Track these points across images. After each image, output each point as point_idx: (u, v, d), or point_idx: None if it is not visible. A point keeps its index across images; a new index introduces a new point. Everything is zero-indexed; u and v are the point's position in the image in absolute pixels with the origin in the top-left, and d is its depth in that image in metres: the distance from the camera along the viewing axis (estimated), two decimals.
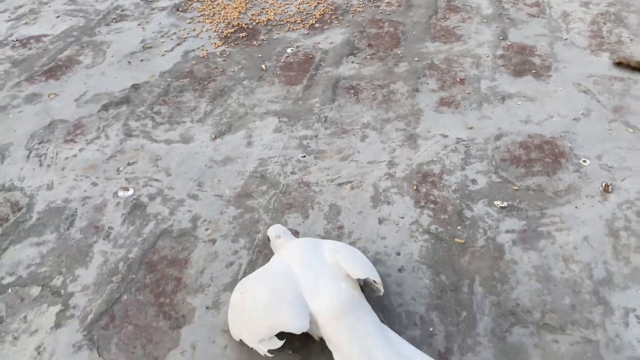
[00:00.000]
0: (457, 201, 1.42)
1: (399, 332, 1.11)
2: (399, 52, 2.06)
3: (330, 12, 2.35)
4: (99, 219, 1.41)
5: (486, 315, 1.16)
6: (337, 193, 1.46)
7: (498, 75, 1.91)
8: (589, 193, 1.43)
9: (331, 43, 2.14)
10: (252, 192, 1.48)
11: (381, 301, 1.18)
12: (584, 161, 1.53)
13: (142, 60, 2.07)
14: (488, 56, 2.01)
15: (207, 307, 1.20)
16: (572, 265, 1.25)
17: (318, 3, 2.42)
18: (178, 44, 2.16)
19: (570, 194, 1.44)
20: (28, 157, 1.63)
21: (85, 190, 1.50)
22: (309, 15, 2.32)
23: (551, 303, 1.17)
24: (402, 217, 1.39)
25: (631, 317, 1.14)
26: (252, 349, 1.06)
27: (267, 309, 1.05)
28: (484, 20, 2.24)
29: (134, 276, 1.27)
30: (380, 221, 1.38)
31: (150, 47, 2.15)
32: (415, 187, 1.47)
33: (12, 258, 1.32)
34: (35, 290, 1.24)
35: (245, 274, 1.26)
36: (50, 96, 1.89)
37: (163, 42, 2.18)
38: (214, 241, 1.35)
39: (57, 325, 1.17)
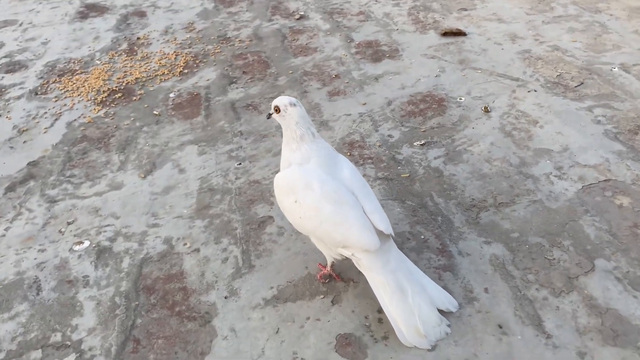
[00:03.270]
0: (387, 152, 1.65)
1: (401, 249, 1.27)
2: (273, 71, 2.28)
3: (192, 59, 2.50)
4: (67, 274, 1.34)
5: (456, 214, 1.38)
6: None
7: (362, 65, 2.23)
8: (476, 117, 1.78)
9: (208, 80, 2.28)
10: (209, 204, 1.53)
11: None
12: (460, 99, 1.89)
13: (24, 141, 1.98)
14: (346, 55, 2.33)
15: (225, 297, 1.22)
16: (495, 162, 1.55)
17: (176, 55, 2.55)
18: (56, 119, 2.11)
19: (464, 121, 1.76)
20: None
21: (35, 258, 1.41)
22: (174, 66, 2.44)
23: (495, 190, 1.44)
24: None
25: (552, 178, 1.46)
26: (286, 309, 1.13)
27: (335, 225, 1.06)
28: (328, 33, 2.59)
29: (136, 302, 1.23)
30: None
31: (26, 130, 2.06)
32: (348, 154, 1.67)
33: None
34: (36, 354, 1.14)
35: (245, 262, 1.31)
36: None
37: (38, 122, 2.11)
38: (197, 250, 1.37)
39: None
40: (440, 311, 1.08)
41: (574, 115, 1.70)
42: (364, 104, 1.94)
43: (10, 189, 1.72)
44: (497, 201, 1.40)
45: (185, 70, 2.39)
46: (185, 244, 1.39)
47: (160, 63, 2.49)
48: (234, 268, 1.30)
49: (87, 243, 1.44)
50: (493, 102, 1.84)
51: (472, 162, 1.56)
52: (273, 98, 2.05)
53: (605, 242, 1.23)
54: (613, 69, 1.92)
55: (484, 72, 2.03)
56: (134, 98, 2.20)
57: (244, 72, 2.30)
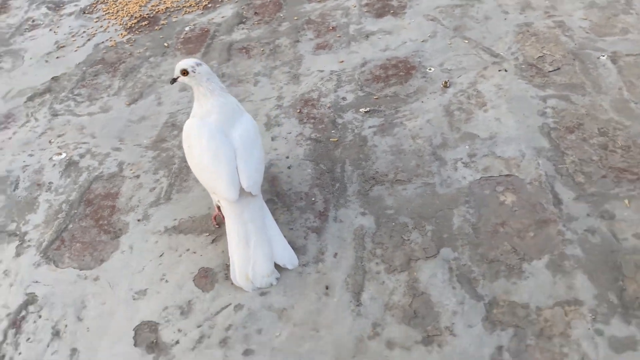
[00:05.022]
0: (332, 114, 1.78)
1: (289, 206, 1.45)
2: (282, 15, 2.40)
3: None
4: (39, 178, 1.69)
5: (354, 183, 1.51)
6: None
7: (363, 19, 2.28)
8: (432, 90, 1.82)
9: (223, 17, 2.46)
10: (166, 137, 1.78)
11: (276, 189, 1.52)
12: (430, 69, 1.92)
13: (57, 57, 2.33)
14: (355, 7, 2.38)
15: (138, 220, 1.50)
16: (418, 140, 1.63)
17: None
18: (88, 40, 2.43)
19: (418, 94, 1.81)
20: None
21: (24, 161, 1.77)
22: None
23: (401, 167, 1.54)
24: (290, 133, 1.73)
25: (459, 164, 1.52)
26: (176, 239, 1.38)
27: (209, 171, 1.26)
28: None
29: (75, 211, 1.55)
30: (273, 138, 1.72)
31: (63, 46, 2.40)
32: (299, 111, 1.81)
33: None
34: None
35: (166, 193, 1.57)
36: None
37: (74, 40, 2.44)
38: (138, 176, 1.65)
39: (18, 254, 1.44)
40: (278, 266, 1.27)
41: (525, 103, 1.69)
42: (342, 61, 2.03)
43: (30, 99, 2.08)
44: (395, 177, 1.51)
45: (210, 5, 2.57)
46: (131, 170, 1.67)
47: None
48: (156, 197, 1.56)
49: (63, 155, 1.77)
50: (459, 77, 1.85)
51: (398, 137, 1.65)
52: (268, 44, 2.20)
53: (463, 234, 1.32)
54: (601, 57, 1.83)
55: (471, 43, 2.01)
56: (156, 27, 2.45)
57: (255, 13, 2.44)
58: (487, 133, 1.61)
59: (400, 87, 1.86)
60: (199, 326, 1.21)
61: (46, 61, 2.31)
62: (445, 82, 1.82)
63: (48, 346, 1.21)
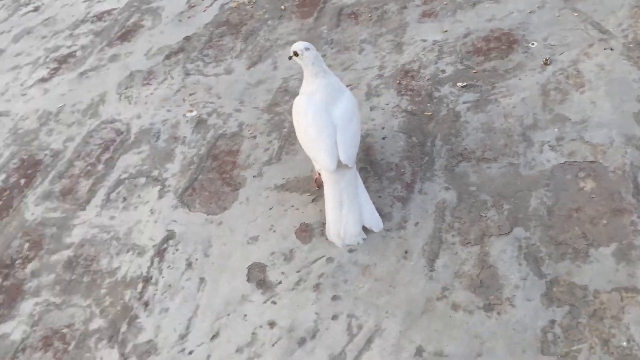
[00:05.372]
0: (429, 87, 1.90)
1: (380, 175, 1.65)
2: None
3: None
4: (175, 132, 2.02)
5: (442, 158, 1.66)
6: None
7: None
8: (532, 67, 1.86)
9: None
10: (279, 102, 2.02)
11: (370, 158, 1.71)
12: (532, 44, 1.94)
13: (189, 17, 2.62)
14: None
15: (254, 176, 1.77)
16: (510, 119, 1.71)
17: None
18: (215, 0, 2.69)
19: (517, 70, 1.87)
20: (119, 99, 2.25)
21: (163, 116, 2.10)
22: None
23: (489, 145, 1.65)
24: (387, 104, 1.88)
25: (545, 146, 1.60)
26: (283, 195, 1.64)
27: (313, 144, 1.48)
28: None
29: (204, 164, 1.86)
30: (372, 108, 1.89)
31: (194, 6, 2.69)
32: (398, 82, 1.95)
33: (124, 163, 1.95)
34: (142, 180, 1.87)
35: (277, 154, 1.82)
36: (126, 55, 2.49)
37: (203, 0, 2.72)
38: (254, 137, 1.91)
39: (160, 197, 1.79)
40: (366, 228, 1.48)
41: (626, 86, 1.69)
42: (445, 31, 2.11)
43: (167, 57, 2.41)
44: (482, 155, 1.63)
45: None
46: (249, 131, 1.94)
47: None
48: (269, 157, 1.82)
49: (195, 112, 2.08)
50: (561, 54, 1.87)
51: (491, 114, 1.74)
52: (376, 9, 2.32)
53: (537, 216, 1.44)
54: None
55: (580, 16, 1.99)
56: None
57: None
58: (579, 116, 1.65)
59: (500, 61, 1.92)
60: (297, 271, 1.47)
61: (179, 20, 2.62)
62: (546, 60, 1.85)
63: (183, 274, 1.55)
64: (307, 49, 1.53)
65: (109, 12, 2.83)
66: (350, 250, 1.48)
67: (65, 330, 1.49)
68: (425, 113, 1.81)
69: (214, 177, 1.81)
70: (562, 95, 1.73)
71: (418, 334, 1.29)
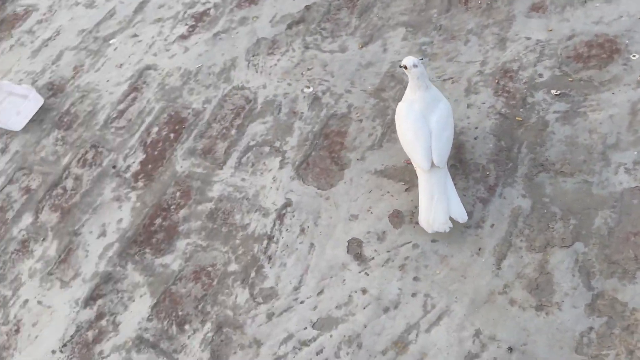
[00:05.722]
0: (525, 91, 2.08)
1: (467, 174, 1.92)
2: None
3: None
4: (294, 107, 2.37)
5: (524, 166, 1.90)
6: (442, 86, 2.20)
7: None
8: (627, 82, 1.98)
9: None
10: (385, 88, 2.29)
11: (460, 156, 1.98)
12: (633, 56, 2.03)
13: None
14: None
15: (357, 159, 2.11)
16: (594, 135, 1.89)
17: None
18: None
19: (612, 83, 1.99)
20: (248, 66, 2.60)
21: (284, 89, 2.45)
22: None
23: (570, 159, 1.86)
24: (484, 103, 2.10)
25: (621, 168, 1.79)
26: (381, 181, 1.98)
27: (411, 146, 1.81)
28: None
29: (317, 142, 2.22)
30: (469, 106, 2.12)
31: None
32: (496, 81, 2.14)
33: (252, 130, 2.35)
34: (266, 149, 2.27)
35: (379, 141, 2.13)
36: (254, 19, 2.80)
37: None
38: (361, 120, 2.22)
39: (280, 167, 2.19)
40: (452, 219, 1.79)
41: None
42: (550, 30, 2.22)
43: (290, 26, 2.70)
44: (561, 168, 1.85)
45: None
46: (357, 114, 2.25)
47: None
48: (372, 142, 2.14)
49: (311, 89, 2.41)
50: None
51: (577, 127, 1.93)
52: None
53: (598, 234, 1.68)
54: None
55: None
56: None
57: None
58: None
59: (598, 72, 2.04)
60: (387, 251, 1.85)
61: None
62: None
63: (297, 237, 1.98)
64: (415, 65, 1.79)
65: None
66: (433, 240, 1.82)
67: (209, 269, 2.00)
68: (517, 118, 2.02)
69: (325, 155, 2.17)
70: None
71: (478, 319, 1.64)
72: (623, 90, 1.96)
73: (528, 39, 2.22)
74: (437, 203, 1.77)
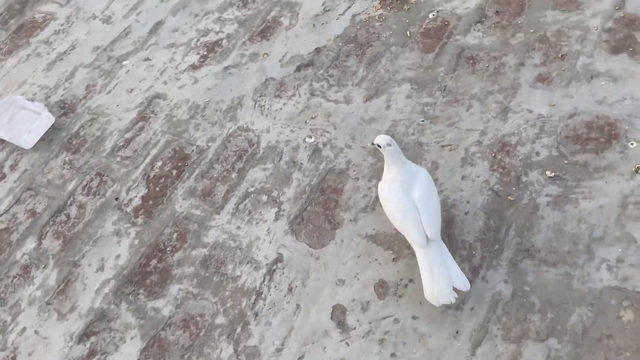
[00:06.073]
0: (520, 169, 2.11)
1: (454, 251, 1.97)
2: (520, 22, 2.53)
3: None
4: (295, 156, 2.41)
5: (510, 250, 1.94)
6: (439, 153, 2.24)
7: (597, 51, 2.32)
8: (621, 172, 2.00)
9: (467, 8, 2.67)
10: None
11: (449, 231, 2.02)
12: (631, 144, 2.04)
13: (322, 23, 2.87)
14: (597, 29, 2.39)
15: (350, 220, 2.16)
16: (582, 225, 1.92)
17: None
18: (349, 7, 2.89)
19: (606, 170, 2.01)
20: (254, 106, 2.65)
21: (287, 136, 2.49)
22: None
23: (555, 248, 1.90)
24: (478, 177, 2.13)
25: (604, 265, 1.83)
26: (371, 247, 2.03)
27: (402, 226, 1.86)
28: None
29: (313, 196, 2.27)
30: (463, 177, 2.15)
31: (329, 10, 2.91)
32: (493, 155, 2.17)
33: (252, 176, 2.41)
34: (264, 197, 2.33)
35: (372, 203, 2.17)
36: (264, 56, 2.84)
37: (338, 4, 2.92)
38: (357, 179, 2.27)
39: (276, 219, 2.25)
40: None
41: None
42: (553, 105, 2.23)
43: (298, 69, 2.73)
44: (545, 257, 1.89)
45: None
46: (354, 171, 2.29)
47: None
48: (366, 204, 2.19)
49: (313, 139, 2.45)
50: None
51: (566, 215, 1.96)
52: (496, 58, 2.45)
53: (572, 332, 1.73)
54: None
55: None
56: (406, 7, 2.79)
57: (496, 12, 2.61)
58: None
59: (594, 156, 2.06)
60: (369, 322, 1.91)
61: (314, 25, 2.88)
62: (637, 168, 1.98)
63: (285, 296, 2.05)
64: (389, 144, 1.85)
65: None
66: (414, 317, 1.88)
67: (198, 319, 2.08)
68: (509, 197, 2.05)
69: (319, 211, 2.22)
70: (638, 213, 1.89)
71: None
72: (616, 180, 1.98)
73: (530, 111, 2.24)
74: (439, 276, 1.81)
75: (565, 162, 2.07)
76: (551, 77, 2.31)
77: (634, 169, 1.98)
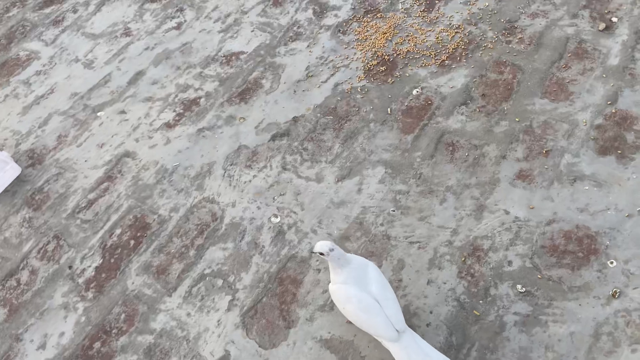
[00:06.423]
0: (490, 279, 1.96)
1: None
2: (506, 108, 2.40)
3: (463, 46, 2.68)
4: (258, 237, 2.28)
5: None
6: (406, 250, 2.10)
7: (583, 150, 2.18)
8: (597, 294, 1.84)
9: (452, 87, 2.54)
10: (350, 236, 2.19)
11: None
12: (611, 262, 1.89)
13: (303, 90, 2.76)
14: (585, 124, 2.25)
15: (306, 319, 2.02)
16: (549, 353, 1.77)
17: (456, 33, 2.74)
18: (332, 75, 2.77)
19: (581, 291, 1.86)
20: (223, 175, 2.53)
21: (252, 212, 2.37)
22: (441, 50, 2.69)
23: None
24: (445, 283, 1.99)
25: None
26: (323, 354, 1.88)
27: (368, 324, 1.73)
28: (603, 75, 2.38)
29: (270, 286, 2.14)
30: (429, 282, 2.00)
31: (311, 76, 2.80)
32: (463, 259, 2.02)
33: (210, 255, 2.28)
34: (219, 282, 2.20)
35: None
36: (240, 120, 2.72)
37: (322, 70, 2.81)
38: (319, 271, 2.13)
39: (228, 309, 2.11)
40: None
41: None
42: (532, 208, 2.09)
43: (273, 138, 2.61)
44: None
45: (447, 61, 2.66)
46: (317, 261, 2.16)
47: (437, 38, 2.77)
48: (324, 302, 2.05)
49: (278, 219, 2.32)
50: (634, 288, 1.82)
51: (533, 339, 1.80)
52: (477, 147, 2.31)
53: None
54: None
55: None
56: (390, 80, 2.67)
57: (483, 95, 2.48)
58: None
59: (570, 273, 1.91)
60: None
61: (294, 91, 2.76)
62: (615, 293, 1.82)
63: None
64: (331, 249, 1.71)
65: (237, 56, 3.02)
66: None
67: None
68: (475, 312, 1.90)
69: (275, 304, 2.08)
70: (611, 346, 1.74)
71: None
72: (591, 304, 1.83)
73: (507, 212, 2.10)
74: None
75: (539, 276, 1.92)
76: (532, 175, 2.17)
77: (611, 292, 1.83)
